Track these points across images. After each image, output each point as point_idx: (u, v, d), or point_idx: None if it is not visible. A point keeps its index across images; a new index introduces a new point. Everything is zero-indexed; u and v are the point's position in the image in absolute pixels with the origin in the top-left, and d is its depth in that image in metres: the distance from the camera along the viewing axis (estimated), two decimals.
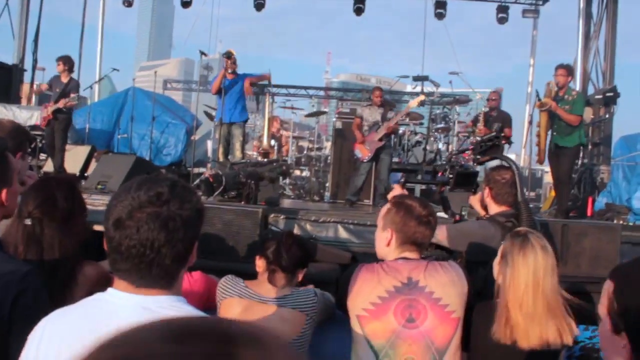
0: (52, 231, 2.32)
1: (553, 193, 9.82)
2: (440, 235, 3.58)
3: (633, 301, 1.26)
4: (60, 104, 8.42)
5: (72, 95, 8.47)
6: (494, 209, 3.72)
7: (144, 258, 1.36)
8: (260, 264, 2.91)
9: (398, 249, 2.61)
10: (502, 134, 8.92)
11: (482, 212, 3.98)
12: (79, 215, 2.46)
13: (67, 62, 8.69)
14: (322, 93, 24.40)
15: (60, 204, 2.36)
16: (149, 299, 1.39)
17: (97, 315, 1.38)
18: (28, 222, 2.30)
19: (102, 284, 2.43)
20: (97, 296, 1.47)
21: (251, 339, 0.56)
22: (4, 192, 1.92)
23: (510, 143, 9.20)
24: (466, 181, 5.32)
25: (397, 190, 3.86)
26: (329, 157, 10.64)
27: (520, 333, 2.40)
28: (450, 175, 5.30)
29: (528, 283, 2.42)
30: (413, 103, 8.88)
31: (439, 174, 9.10)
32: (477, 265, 3.25)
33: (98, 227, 2.61)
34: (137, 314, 1.35)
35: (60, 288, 2.00)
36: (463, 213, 5.18)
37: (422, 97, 8.92)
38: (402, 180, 4.15)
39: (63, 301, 1.56)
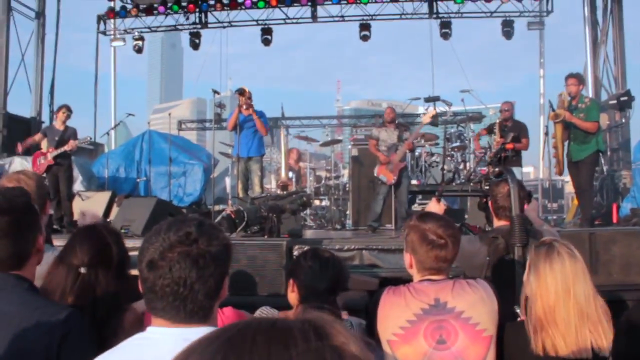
0: (107, 280, 2.34)
1: (576, 202, 9.72)
2: None
3: None
4: (68, 147, 8.54)
5: (75, 139, 8.64)
6: (495, 222, 3.69)
7: (178, 295, 1.42)
8: (292, 296, 2.81)
9: (420, 272, 2.59)
10: (518, 144, 8.90)
11: (538, 222, 3.94)
12: (128, 262, 2.50)
13: (70, 110, 8.87)
14: (335, 121, 24.50)
15: (114, 251, 2.40)
16: (188, 331, 1.44)
17: (141, 352, 1.43)
18: (83, 270, 2.32)
19: (137, 326, 2.46)
20: (138, 336, 1.51)
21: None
22: (40, 238, 1.99)
23: (516, 151, 9.09)
24: None
25: (433, 204, 3.86)
26: (347, 185, 10.66)
27: (556, 343, 2.36)
28: (487, 187, 5.28)
29: (558, 291, 2.38)
30: (426, 118, 8.94)
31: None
32: None
33: (134, 272, 2.65)
34: (179, 344, 1.37)
35: (111, 336, 2.03)
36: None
37: (433, 112, 8.97)
38: (437, 194, 4.13)
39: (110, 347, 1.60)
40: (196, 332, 1.42)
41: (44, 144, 9.13)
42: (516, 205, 3.22)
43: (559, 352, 2.35)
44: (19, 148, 9.00)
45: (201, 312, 1.46)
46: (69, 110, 8.84)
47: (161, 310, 1.45)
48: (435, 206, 3.85)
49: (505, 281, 2.84)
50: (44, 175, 8.59)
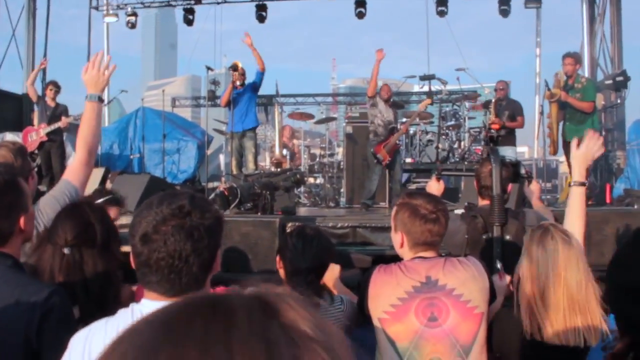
0: (92, 258, 2.32)
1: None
2: None
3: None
4: (63, 122, 8.50)
5: (67, 116, 8.61)
6: (479, 202, 3.74)
7: (173, 268, 1.43)
8: (281, 272, 2.80)
9: (412, 250, 2.59)
10: (513, 122, 8.91)
11: (537, 204, 3.97)
12: (115, 239, 2.47)
13: (57, 87, 8.81)
14: (330, 99, 24.40)
15: (97, 230, 2.37)
16: None
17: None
18: (66, 251, 2.29)
19: (130, 301, 2.45)
20: (133, 306, 1.54)
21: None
22: (22, 218, 1.96)
23: (510, 130, 9.10)
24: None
25: (433, 183, 3.88)
26: (342, 163, 10.65)
27: (544, 328, 2.35)
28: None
29: (548, 275, 2.36)
30: (422, 106, 8.94)
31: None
32: None
33: (125, 248, 2.63)
34: None
35: (112, 312, 2.03)
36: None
37: (428, 101, 8.97)
38: (437, 173, 4.15)
39: None
40: None
41: (35, 120, 9.10)
42: (497, 185, 3.24)
43: (546, 338, 2.34)
44: (33, 136, 8.87)
45: (195, 284, 1.47)
46: (55, 86, 8.79)
47: (156, 283, 1.46)
48: (434, 185, 3.88)
49: (483, 260, 2.85)
50: (36, 151, 8.55)
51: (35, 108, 14.29)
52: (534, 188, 4.04)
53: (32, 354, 1.78)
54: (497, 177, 3.27)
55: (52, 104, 8.72)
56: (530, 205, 4.25)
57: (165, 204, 1.45)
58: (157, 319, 0.57)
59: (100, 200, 3.36)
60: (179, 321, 0.56)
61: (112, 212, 3.16)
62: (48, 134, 8.56)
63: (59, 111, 8.67)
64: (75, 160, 2.81)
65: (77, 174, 2.75)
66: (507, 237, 3.33)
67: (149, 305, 1.48)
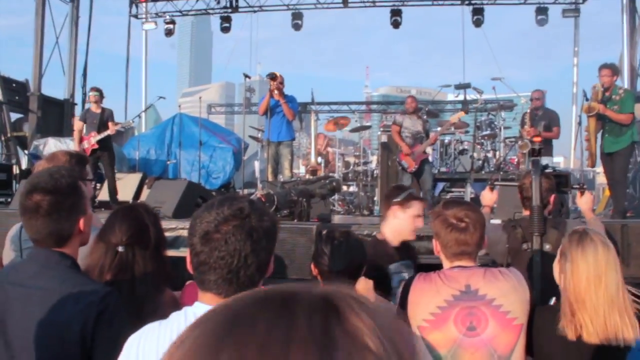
0: (144, 260, 2.40)
1: (607, 194, 9.59)
2: None
3: None
4: (111, 130, 8.71)
5: (119, 122, 8.80)
6: (523, 212, 3.80)
7: (232, 267, 1.48)
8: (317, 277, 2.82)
9: (449, 258, 2.61)
10: (549, 132, 8.85)
11: (589, 215, 3.99)
12: (164, 243, 2.55)
13: (101, 93, 9.00)
14: (363, 107, 24.42)
15: (151, 232, 2.45)
16: None
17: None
18: (121, 249, 2.37)
19: (173, 305, 2.52)
20: (186, 309, 1.57)
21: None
22: (81, 221, 2.02)
23: (546, 140, 9.04)
24: (562, 183, 5.27)
25: (486, 193, 4.04)
26: (376, 171, 10.66)
27: (585, 328, 2.36)
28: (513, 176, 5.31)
29: (589, 277, 2.37)
30: (454, 118, 8.92)
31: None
32: None
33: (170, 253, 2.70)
34: None
35: (152, 313, 2.09)
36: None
37: (462, 113, 8.95)
38: (490, 183, 4.24)
39: None
40: None
41: (75, 125, 9.32)
42: (537, 196, 3.30)
43: (587, 338, 2.35)
44: (85, 145, 9.09)
45: (251, 285, 1.50)
46: (96, 91, 8.97)
47: (213, 282, 1.50)
48: (488, 195, 4.07)
49: (523, 269, 2.88)
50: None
51: (76, 114, 14.69)
52: (586, 199, 4.03)
53: (86, 352, 1.85)
54: (537, 188, 3.32)
55: (98, 110, 8.92)
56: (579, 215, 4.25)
57: (226, 206, 1.50)
58: (222, 316, 0.58)
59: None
60: (244, 319, 0.56)
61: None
62: (98, 141, 8.79)
63: (106, 116, 8.88)
64: None
65: None
66: (547, 247, 3.38)
67: (203, 308, 1.51)
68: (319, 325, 0.53)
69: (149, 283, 2.37)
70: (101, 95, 8.98)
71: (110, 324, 1.88)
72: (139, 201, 8.08)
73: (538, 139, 7.67)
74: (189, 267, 1.56)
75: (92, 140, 8.74)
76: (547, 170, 7.40)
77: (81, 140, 8.92)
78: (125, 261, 2.38)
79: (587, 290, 2.37)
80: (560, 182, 4.75)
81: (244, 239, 1.47)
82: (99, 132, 8.74)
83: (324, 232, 2.99)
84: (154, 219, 2.54)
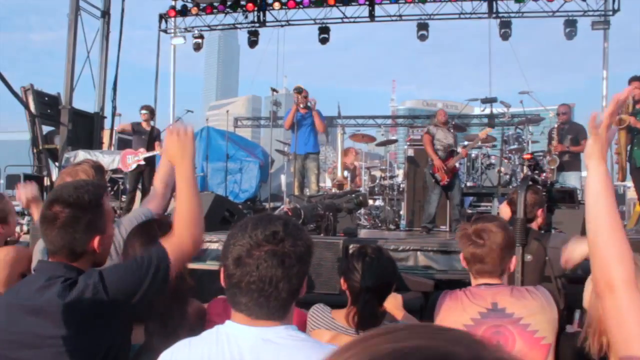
0: None
1: (638, 209, 9.44)
2: None
3: None
4: (159, 151, 8.93)
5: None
6: None
7: (263, 292, 1.47)
8: (346, 293, 2.82)
9: (474, 275, 2.60)
10: (577, 146, 8.79)
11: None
12: None
13: (152, 112, 9.22)
14: (389, 121, 24.41)
15: None
16: (268, 331, 1.49)
17: (221, 347, 1.49)
18: None
19: (200, 317, 2.53)
20: (218, 328, 1.57)
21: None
22: (96, 239, 1.99)
23: (574, 154, 8.98)
24: (567, 198, 5.28)
25: (504, 207, 4.38)
26: (402, 185, 10.63)
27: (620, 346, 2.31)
28: (544, 193, 5.35)
29: None
30: (483, 134, 8.87)
31: None
32: None
33: (192, 266, 2.71)
34: (258, 344, 1.47)
35: (177, 328, 2.09)
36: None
37: (489, 129, 8.91)
38: (508, 197, 4.45)
39: (175, 340, 1.65)
40: (274, 332, 1.49)
41: (105, 138, 9.53)
42: (521, 210, 3.58)
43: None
44: (119, 128, 9.40)
45: (282, 309, 1.51)
46: (146, 109, 9.22)
47: (244, 305, 1.50)
48: (505, 208, 4.34)
49: None
50: (129, 170, 9.07)
51: (106, 127, 14.90)
52: None
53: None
54: (522, 202, 3.60)
55: (148, 128, 9.16)
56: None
57: (261, 229, 1.48)
58: (380, 352, 0.55)
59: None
60: None
61: None
62: (145, 159, 8.99)
63: (155, 135, 9.12)
64: (152, 191, 2.99)
65: (153, 203, 2.92)
66: (528, 257, 3.67)
67: (234, 327, 1.52)
68: None
69: (168, 299, 2.34)
70: (152, 114, 9.23)
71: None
72: (156, 214, 8.13)
73: (528, 156, 7.85)
74: (222, 283, 1.57)
75: (141, 156, 8.97)
76: (555, 186, 7.37)
77: (126, 153, 9.16)
78: None
79: None
80: (564, 197, 4.81)
81: (276, 265, 1.46)
82: (147, 149, 8.97)
83: (356, 247, 3.01)
84: (169, 231, 2.55)
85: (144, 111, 9.19)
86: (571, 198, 4.68)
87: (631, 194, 12.01)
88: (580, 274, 4.46)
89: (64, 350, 1.80)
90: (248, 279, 1.47)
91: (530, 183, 4.56)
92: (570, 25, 14.65)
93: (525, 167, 10.23)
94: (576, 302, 2.73)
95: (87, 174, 3.18)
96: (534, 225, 4.08)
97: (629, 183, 10.45)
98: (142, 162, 9.01)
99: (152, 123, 9.28)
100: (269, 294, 1.47)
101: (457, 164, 8.38)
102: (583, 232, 4.46)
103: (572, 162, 8.95)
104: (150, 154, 8.97)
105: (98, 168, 3.43)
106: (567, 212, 5.67)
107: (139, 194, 9.29)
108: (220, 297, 3.12)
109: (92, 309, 1.84)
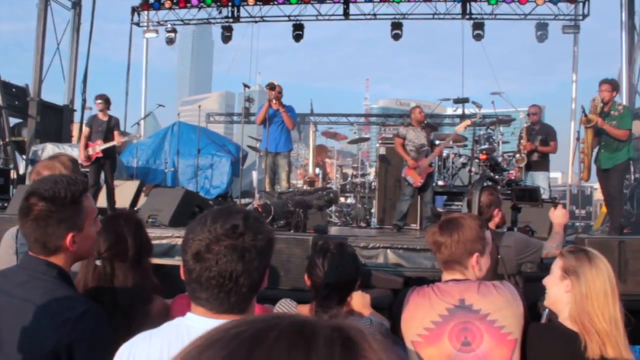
0: (123, 272, 2.36)
1: (604, 210, 9.60)
2: None
3: None
4: (118, 141, 8.69)
5: (129, 133, 8.76)
6: None
7: (223, 287, 1.44)
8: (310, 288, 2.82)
9: (445, 271, 2.61)
10: (546, 147, 8.90)
11: (556, 229, 4.11)
12: (148, 252, 2.51)
13: (107, 101, 8.95)
14: (362, 119, 24.47)
15: (130, 243, 2.41)
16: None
17: (182, 339, 1.46)
18: (98, 262, 2.33)
19: (163, 315, 2.50)
20: (178, 321, 1.55)
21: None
22: (69, 236, 1.93)
23: (544, 155, 9.12)
24: (529, 197, 5.35)
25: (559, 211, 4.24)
26: (374, 183, 10.66)
27: (611, 343, 2.34)
28: (509, 192, 5.41)
29: (607, 292, 2.39)
30: (460, 128, 8.85)
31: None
32: None
33: (156, 260, 2.66)
34: None
35: (139, 325, 2.06)
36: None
37: (468, 122, 8.88)
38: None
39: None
40: None
41: (75, 131, 9.28)
42: (474, 208, 3.76)
43: (608, 354, 2.33)
44: (90, 152, 9.00)
45: (243, 304, 1.48)
46: (101, 98, 8.92)
47: (205, 300, 1.48)
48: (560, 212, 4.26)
49: None
50: (89, 164, 8.79)
51: (75, 120, 14.67)
52: (559, 213, 4.07)
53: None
54: (476, 202, 3.77)
55: (105, 118, 8.87)
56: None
57: (220, 223, 1.45)
58: (246, 334, 0.58)
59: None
60: (267, 336, 0.56)
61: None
62: (103, 150, 8.73)
63: (112, 125, 8.84)
64: None
65: None
66: None
67: (195, 320, 1.50)
68: (338, 354, 0.55)
69: (132, 294, 2.33)
70: (107, 103, 8.92)
71: (89, 343, 1.81)
72: (125, 209, 7.97)
73: (484, 156, 7.95)
74: (182, 277, 1.54)
75: (98, 148, 8.70)
76: (520, 186, 7.46)
77: (86, 146, 8.88)
78: (103, 274, 2.35)
79: (605, 305, 2.38)
80: (528, 196, 4.85)
81: (236, 260, 1.43)
82: (105, 139, 8.71)
83: (319, 243, 2.98)
84: (136, 229, 2.49)
85: (99, 101, 8.90)
86: (534, 197, 4.72)
87: (598, 195, 12.21)
88: (536, 271, 4.56)
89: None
90: (208, 274, 1.43)
91: (489, 183, 4.63)
92: (542, 28, 14.88)
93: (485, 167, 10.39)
94: (532, 299, 2.78)
95: (66, 167, 3.09)
96: (492, 225, 4.07)
97: (596, 185, 10.64)
98: (100, 155, 8.74)
99: (108, 112, 8.98)
100: (229, 289, 1.44)
101: (431, 164, 8.37)
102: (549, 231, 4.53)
103: (540, 162, 9.06)
104: (109, 144, 8.70)
105: (75, 162, 3.36)
106: (534, 211, 5.73)
107: (104, 190, 9.03)
108: (184, 294, 3.08)
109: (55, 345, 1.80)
